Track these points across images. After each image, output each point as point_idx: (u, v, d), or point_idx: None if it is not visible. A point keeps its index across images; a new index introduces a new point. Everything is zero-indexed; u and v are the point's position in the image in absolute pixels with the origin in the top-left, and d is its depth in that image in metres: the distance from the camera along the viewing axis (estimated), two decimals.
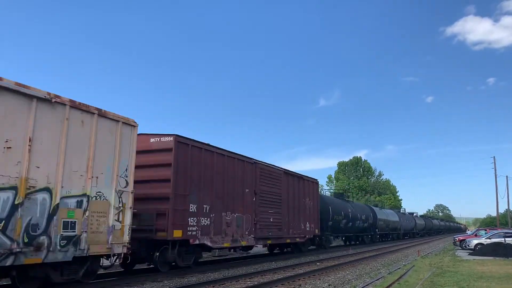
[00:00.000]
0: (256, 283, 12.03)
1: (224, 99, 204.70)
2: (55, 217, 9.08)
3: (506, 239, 25.93)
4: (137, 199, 12.16)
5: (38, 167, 8.85)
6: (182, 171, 14.13)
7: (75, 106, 9.87)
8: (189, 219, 14.22)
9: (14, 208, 8.28)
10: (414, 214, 70.88)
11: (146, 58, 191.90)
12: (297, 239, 22.99)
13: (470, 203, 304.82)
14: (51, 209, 9.04)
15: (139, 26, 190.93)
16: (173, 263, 14.40)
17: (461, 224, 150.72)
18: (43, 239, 8.81)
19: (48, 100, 9.15)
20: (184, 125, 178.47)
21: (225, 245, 16.44)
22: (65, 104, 9.59)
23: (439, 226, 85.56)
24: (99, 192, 10.34)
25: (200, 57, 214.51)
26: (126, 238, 11.06)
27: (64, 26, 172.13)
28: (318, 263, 18.74)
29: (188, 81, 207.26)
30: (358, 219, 35.38)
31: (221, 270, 15.43)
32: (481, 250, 24.87)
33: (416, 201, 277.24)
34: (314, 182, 26.30)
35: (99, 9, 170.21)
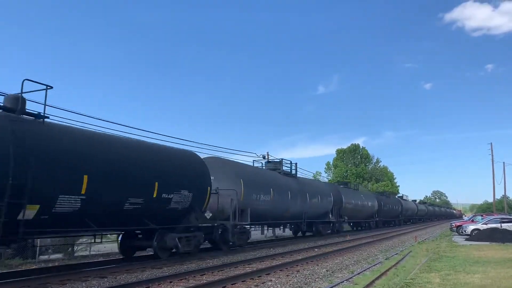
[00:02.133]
0: (254, 269, 12.13)
1: (224, 88, 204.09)
2: None
3: (502, 224, 26.17)
4: None
5: None
6: None
7: None
8: None
9: None
10: (417, 201, 72.03)
11: (142, 57, 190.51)
12: None
13: (467, 189, 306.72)
14: None
15: (135, 25, 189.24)
16: None
17: (455, 210, 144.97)
18: None
19: None
20: (184, 114, 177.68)
21: None
22: None
23: (434, 212, 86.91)
24: None
25: (200, 48, 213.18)
26: None
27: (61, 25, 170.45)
28: (316, 249, 18.90)
29: (188, 69, 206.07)
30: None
31: (220, 257, 15.55)
32: (477, 235, 25.09)
33: (413, 187, 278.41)
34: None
35: (96, 9, 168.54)
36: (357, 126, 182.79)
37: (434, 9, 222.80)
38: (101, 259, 15.04)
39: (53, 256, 15.74)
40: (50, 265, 13.39)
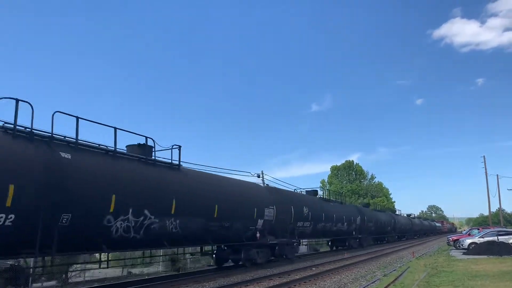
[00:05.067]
0: None
1: (217, 106, 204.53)
2: None
3: (499, 237, 26.14)
4: None
5: None
6: None
7: None
8: None
9: None
10: (411, 216, 71.17)
11: (135, 61, 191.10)
12: None
13: (463, 203, 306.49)
14: None
15: (128, 29, 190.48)
16: None
17: (445, 223, 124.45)
18: None
19: None
20: (176, 134, 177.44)
21: None
22: None
23: (429, 227, 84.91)
24: None
25: (191, 64, 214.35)
26: None
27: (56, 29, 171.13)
28: (314, 268, 18.71)
29: (180, 89, 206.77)
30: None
31: (217, 278, 15.34)
32: (474, 249, 25.03)
33: (409, 202, 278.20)
34: None
35: (93, 13, 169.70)
36: (351, 143, 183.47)
37: (423, 26, 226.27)
38: (95, 284, 14.79)
39: (46, 284, 15.45)
40: None
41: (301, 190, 29.00)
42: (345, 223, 32.16)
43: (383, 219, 44.77)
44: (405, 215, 59.86)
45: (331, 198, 33.98)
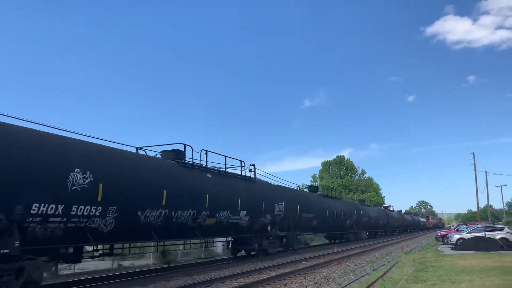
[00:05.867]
0: (242, 283, 12.06)
1: (209, 101, 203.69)
2: None
3: (486, 233, 26.49)
4: None
5: None
6: None
7: None
8: None
9: None
10: (403, 212, 71.48)
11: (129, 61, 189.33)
12: None
13: (452, 198, 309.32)
14: None
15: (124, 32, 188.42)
16: None
17: (431, 219, 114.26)
18: None
19: None
20: (169, 129, 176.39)
21: None
22: None
23: (411, 222, 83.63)
24: None
25: (183, 61, 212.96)
26: None
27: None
28: (304, 262, 18.86)
29: (171, 84, 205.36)
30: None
31: (207, 272, 15.41)
32: (462, 244, 25.36)
33: (399, 198, 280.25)
34: None
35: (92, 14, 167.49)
36: (343, 139, 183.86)
37: (416, 23, 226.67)
38: (85, 277, 14.76)
39: None
40: None
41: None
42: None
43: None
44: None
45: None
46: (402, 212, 72.94)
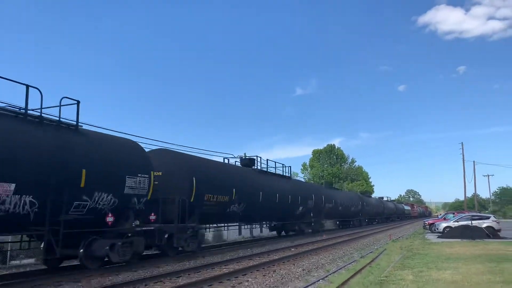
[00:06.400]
0: (231, 269, 12.14)
1: (199, 90, 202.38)
2: None
3: (473, 222, 26.92)
4: None
5: None
6: None
7: None
8: None
9: None
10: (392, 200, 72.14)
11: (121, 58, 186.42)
12: None
13: (440, 188, 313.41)
14: None
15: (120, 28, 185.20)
16: None
17: (416, 208, 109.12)
18: None
19: None
20: (157, 118, 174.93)
21: None
22: None
23: (403, 211, 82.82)
24: None
25: (175, 47, 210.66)
26: None
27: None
28: (293, 249, 19.02)
29: (163, 71, 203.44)
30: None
31: (197, 258, 15.48)
32: (449, 233, 25.75)
33: (388, 187, 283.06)
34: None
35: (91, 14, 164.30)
36: (334, 127, 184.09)
37: (408, 13, 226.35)
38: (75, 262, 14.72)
39: (25, 261, 15.34)
40: (21, 270, 13.07)
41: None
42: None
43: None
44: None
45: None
46: (385, 200, 70.44)
